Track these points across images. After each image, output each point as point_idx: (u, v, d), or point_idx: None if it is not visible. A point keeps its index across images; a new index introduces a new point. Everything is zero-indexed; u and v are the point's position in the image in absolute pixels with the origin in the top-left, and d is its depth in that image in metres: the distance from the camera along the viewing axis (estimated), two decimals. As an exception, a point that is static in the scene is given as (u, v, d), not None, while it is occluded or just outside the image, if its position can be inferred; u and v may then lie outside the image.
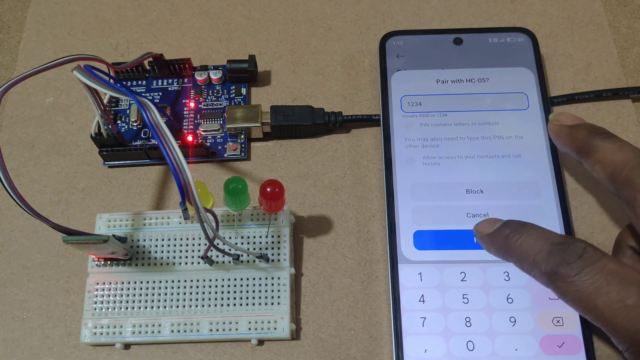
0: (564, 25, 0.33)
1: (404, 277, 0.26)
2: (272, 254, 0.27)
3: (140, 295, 0.27)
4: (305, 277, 0.28)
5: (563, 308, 0.25)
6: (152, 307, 0.26)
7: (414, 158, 0.29)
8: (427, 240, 0.27)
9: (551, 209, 0.27)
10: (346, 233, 0.29)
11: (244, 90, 0.32)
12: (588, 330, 0.25)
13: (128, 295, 0.27)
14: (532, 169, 0.28)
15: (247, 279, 0.27)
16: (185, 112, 0.31)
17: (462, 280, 0.26)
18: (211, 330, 0.26)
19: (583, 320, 0.25)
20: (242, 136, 0.30)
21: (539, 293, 0.25)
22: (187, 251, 0.27)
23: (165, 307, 0.26)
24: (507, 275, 0.26)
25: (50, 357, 0.27)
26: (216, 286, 0.27)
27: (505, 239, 0.23)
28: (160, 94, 0.32)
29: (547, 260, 0.22)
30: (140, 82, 0.32)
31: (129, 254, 0.27)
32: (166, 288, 0.27)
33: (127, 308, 0.26)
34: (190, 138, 0.30)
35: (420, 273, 0.26)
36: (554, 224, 0.27)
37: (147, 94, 0.32)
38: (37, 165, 0.31)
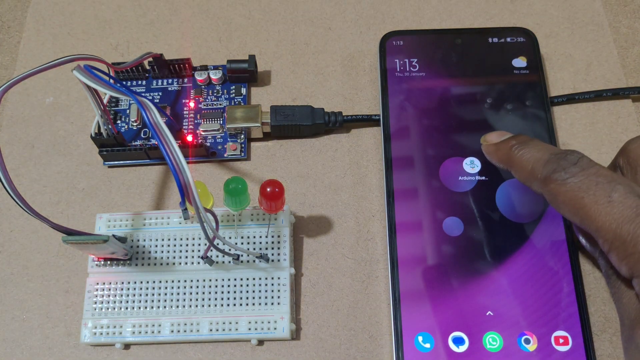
0: (564, 25, 0.33)
1: (404, 276, 0.26)
2: (272, 254, 0.27)
3: (140, 295, 0.27)
4: (305, 277, 0.28)
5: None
6: (152, 307, 0.26)
7: (414, 158, 0.29)
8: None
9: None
10: (346, 233, 0.29)
11: (244, 90, 0.32)
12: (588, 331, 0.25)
13: (128, 295, 0.27)
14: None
15: (247, 279, 0.27)
16: (185, 112, 0.31)
17: (462, 280, 0.26)
18: (211, 330, 0.26)
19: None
20: (242, 136, 0.30)
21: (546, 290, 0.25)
22: (187, 251, 0.27)
23: (165, 307, 0.26)
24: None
25: (50, 357, 0.27)
26: (216, 286, 0.27)
27: (510, 149, 0.24)
28: (160, 94, 0.32)
29: (544, 167, 0.23)
30: (140, 82, 0.32)
31: (129, 254, 0.27)
32: (166, 288, 0.27)
33: (127, 308, 0.26)
34: (190, 138, 0.30)
35: (420, 272, 0.26)
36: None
37: (147, 94, 0.32)
38: (37, 165, 0.31)
